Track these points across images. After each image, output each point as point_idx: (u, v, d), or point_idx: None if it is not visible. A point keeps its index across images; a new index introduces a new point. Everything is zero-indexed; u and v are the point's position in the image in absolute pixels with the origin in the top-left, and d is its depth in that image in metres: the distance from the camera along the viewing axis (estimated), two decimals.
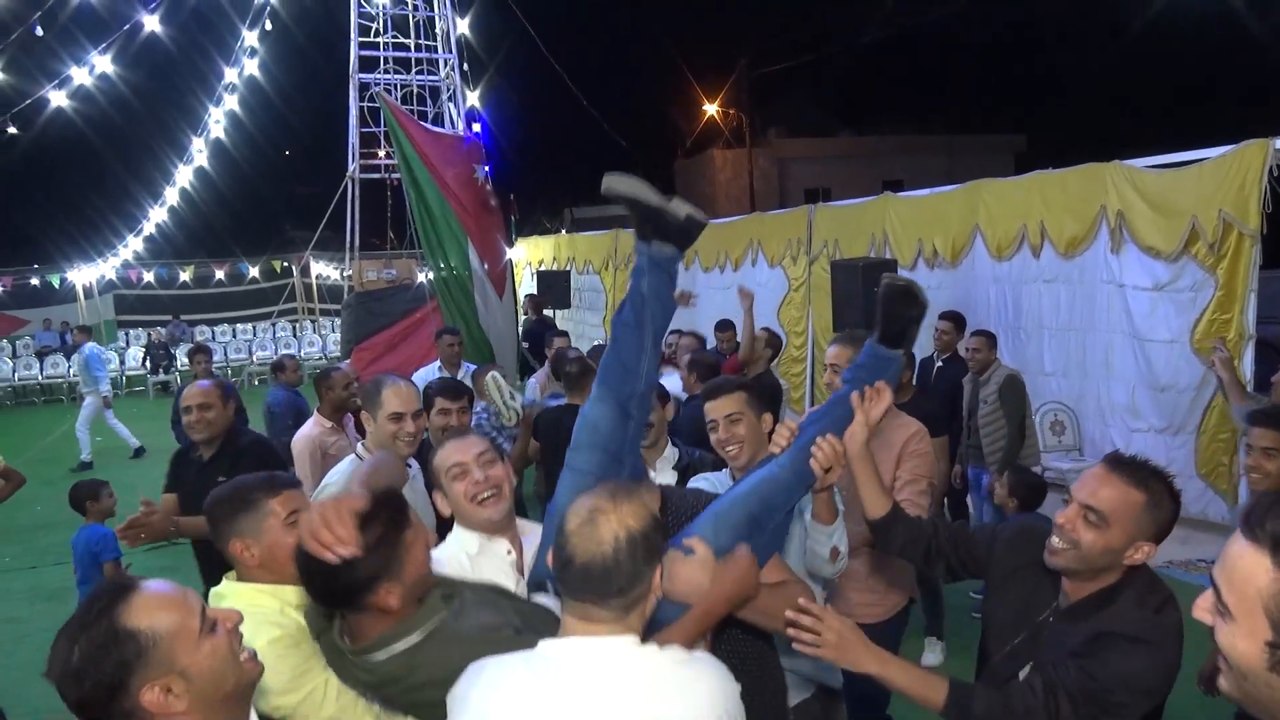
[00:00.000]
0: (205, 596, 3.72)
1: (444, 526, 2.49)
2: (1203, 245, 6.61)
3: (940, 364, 6.81)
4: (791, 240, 11.38)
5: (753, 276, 12.23)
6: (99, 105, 15.63)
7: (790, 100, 34.46)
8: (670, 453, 3.70)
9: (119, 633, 1.43)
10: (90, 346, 12.09)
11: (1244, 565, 1.14)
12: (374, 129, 10.68)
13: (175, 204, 19.99)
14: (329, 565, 1.73)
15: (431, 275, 7.96)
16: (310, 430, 4.98)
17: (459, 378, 6.93)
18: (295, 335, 21.46)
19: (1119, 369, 7.40)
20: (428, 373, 6.87)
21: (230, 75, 14.92)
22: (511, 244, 20.54)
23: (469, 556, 2.28)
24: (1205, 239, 6.57)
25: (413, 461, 3.35)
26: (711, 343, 8.47)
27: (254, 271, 21.21)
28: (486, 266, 8.00)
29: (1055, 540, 2.03)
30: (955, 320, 6.88)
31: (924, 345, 7.35)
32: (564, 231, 24.81)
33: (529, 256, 19.55)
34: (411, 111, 10.87)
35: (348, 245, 11.33)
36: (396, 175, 8.92)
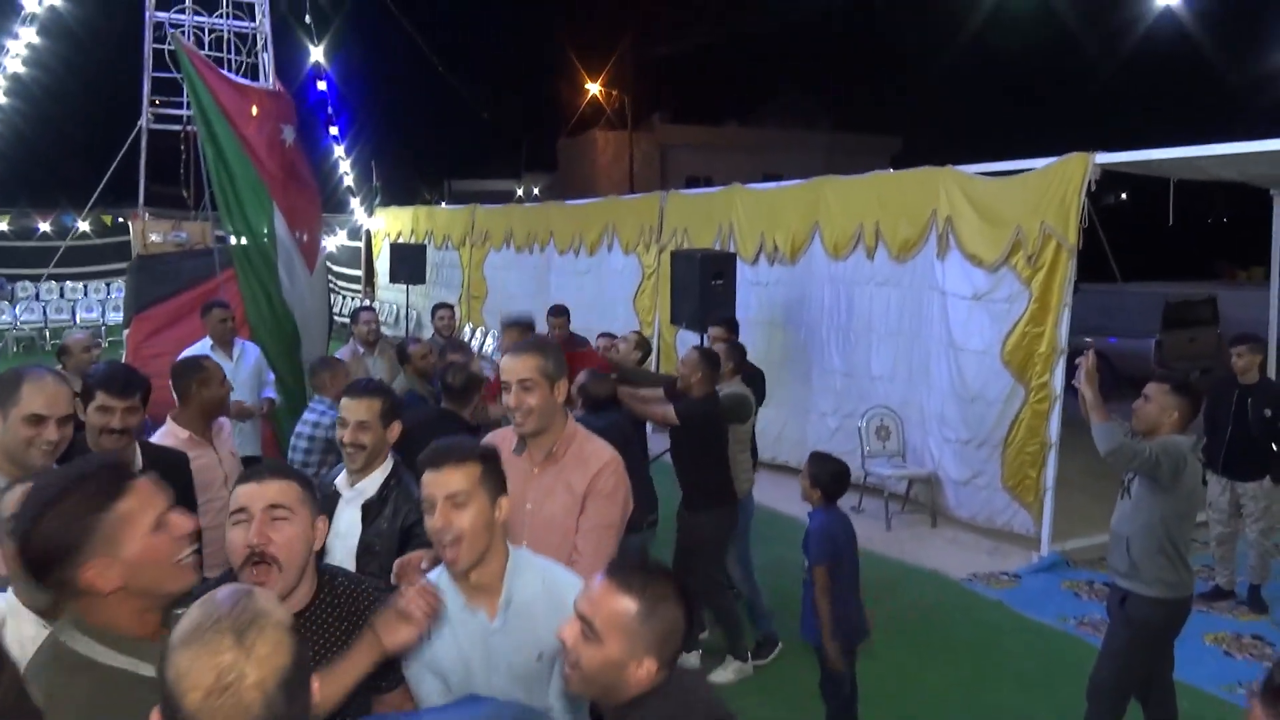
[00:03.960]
0: None
1: None
2: (1022, 256, 6.54)
3: None
4: (645, 227, 11.05)
5: (608, 263, 11.87)
6: None
7: (677, 86, 34.33)
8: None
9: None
10: None
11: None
12: (173, 74, 9.67)
13: None
14: (25, 524, 1.57)
15: (230, 241, 7.16)
16: None
17: (234, 356, 6.29)
18: None
19: (935, 377, 7.31)
20: (199, 350, 6.16)
21: (30, 4, 13.37)
22: (371, 213, 19.69)
23: None
24: (1025, 250, 6.51)
25: None
26: (542, 327, 7.99)
27: (84, 225, 19.37)
28: (296, 236, 7.27)
29: (565, 665, 1.80)
30: (728, 326, 6.30)
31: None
32: (443, 204, 23.87)
33: (388, 228, 18.78)
34: (218, 60, 9.96)
35: (141, 202, 10.31)
36: (194, 128, 8.02)
